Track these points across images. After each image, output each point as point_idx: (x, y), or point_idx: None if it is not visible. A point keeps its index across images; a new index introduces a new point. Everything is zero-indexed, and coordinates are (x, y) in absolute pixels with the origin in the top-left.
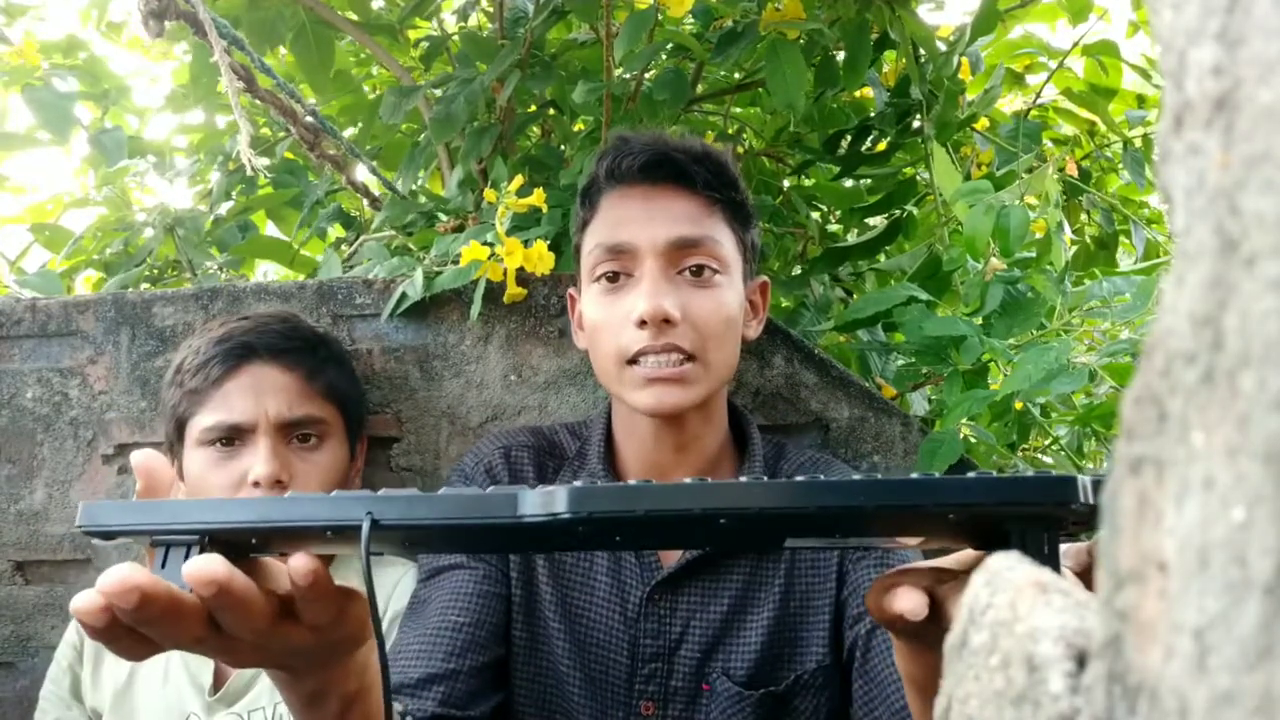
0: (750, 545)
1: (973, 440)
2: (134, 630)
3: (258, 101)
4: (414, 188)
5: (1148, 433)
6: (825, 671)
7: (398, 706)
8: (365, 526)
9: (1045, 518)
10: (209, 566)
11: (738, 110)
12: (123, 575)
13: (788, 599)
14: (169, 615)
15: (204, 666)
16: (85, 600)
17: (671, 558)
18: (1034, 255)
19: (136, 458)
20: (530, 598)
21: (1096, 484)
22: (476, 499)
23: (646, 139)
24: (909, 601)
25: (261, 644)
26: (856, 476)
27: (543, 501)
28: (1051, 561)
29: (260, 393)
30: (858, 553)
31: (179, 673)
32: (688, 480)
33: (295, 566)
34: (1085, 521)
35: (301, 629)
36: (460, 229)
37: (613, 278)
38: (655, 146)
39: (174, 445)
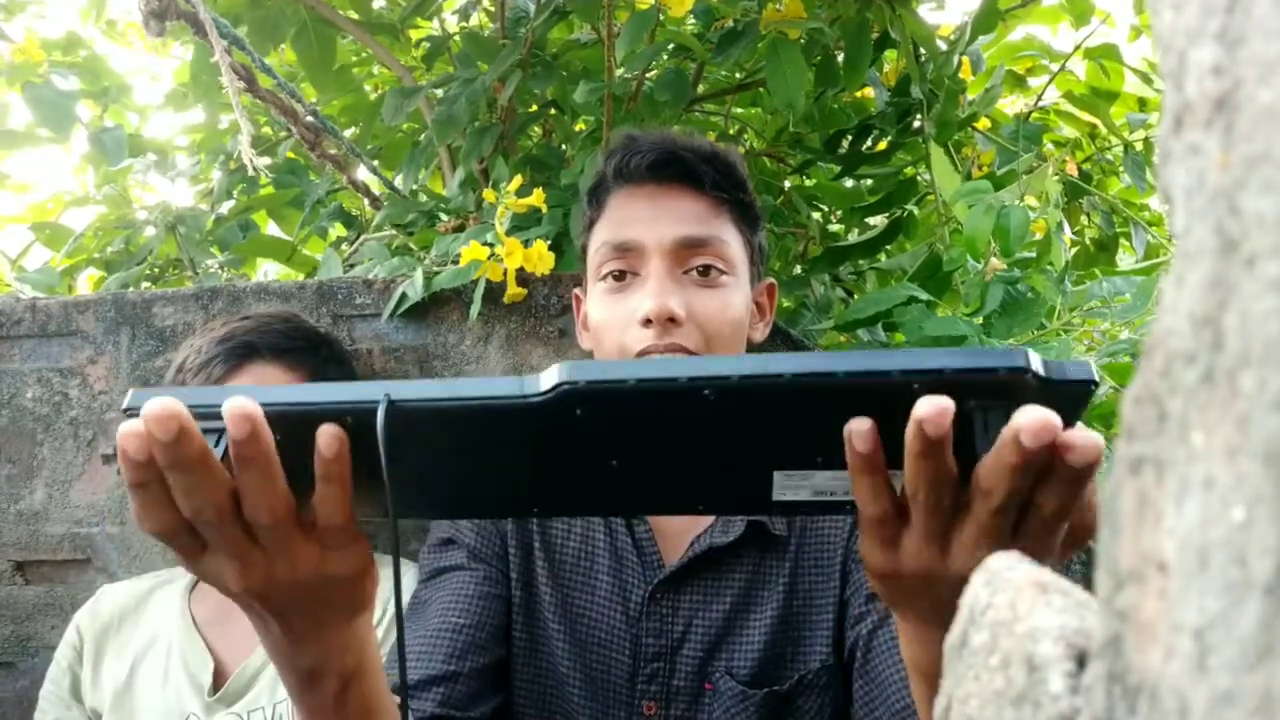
0: (738, 495)
1: None
2: (162, 481)
3: (259, 101)
4: (415, 187)
5: (1148, 433)
6: (829, 671)
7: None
8: (381, 409)
9: (1002, 390)
10: (246, 401)
11: (739, 110)
12: (165, 402)
13: (791, 598)
14: (200, 466)
15: (203, 667)
16: (129, 426)
17: (674, 556)
18: (1034, 255)
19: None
20: (530, 599)
21: (1045, 363)
22: (485, 382)
23: (654, 138)
24: (857, 423)
25: (272, 554)
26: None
27: (541, 379)
28: None
29: None
30: (860, 552)
31: (179, 673)
32: (672, 356)
33: (324, 431)
34: (1039, 400)
35: (311, 546)
36: (461, 229)
37: (618, 276)
38: (663, 145)
39: None
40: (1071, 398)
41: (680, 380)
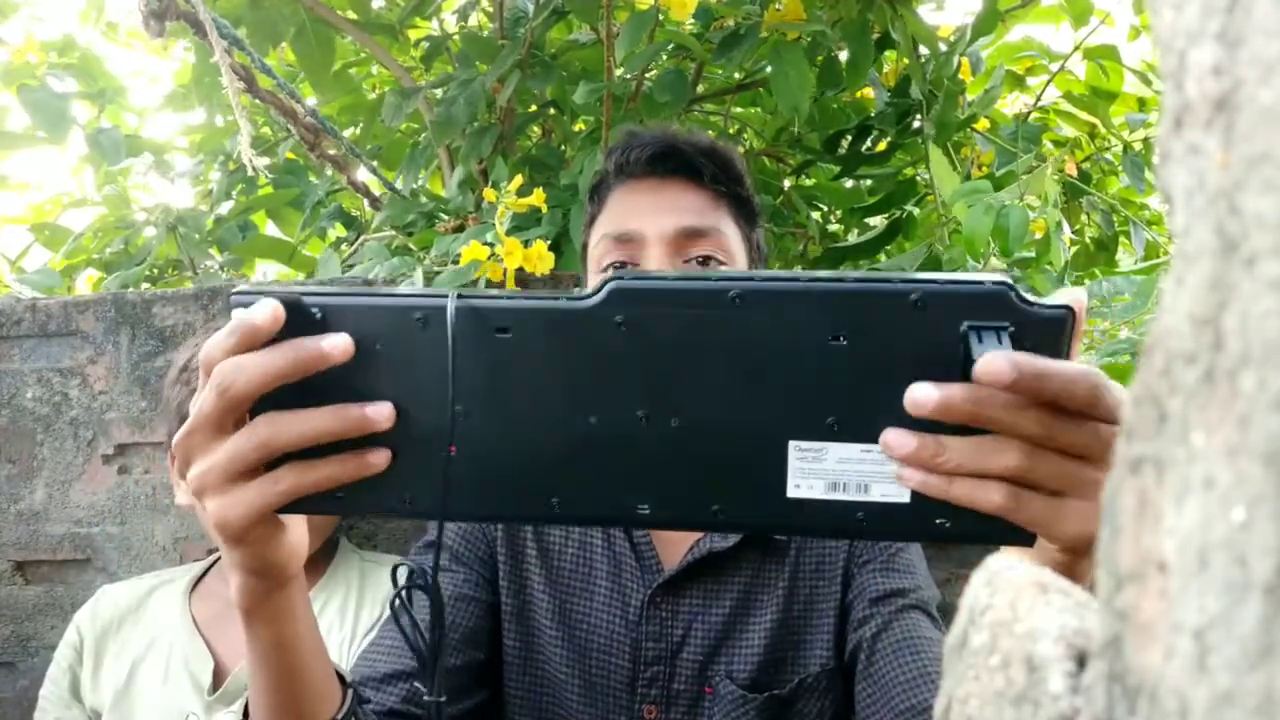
0: (755, 484)
1: None
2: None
3: (258, 101)
4: (414, 188)
5: (1148, 433)
6: (829, 675)
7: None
8: (451, 305)
9: (991, 310)
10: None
11: (738, 110)
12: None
13: (791, 602)
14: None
15: (204, 666)
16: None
17: (672, 561)
18: (1034, 255)
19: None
20: (523, 605)
21: (1025, 294)
22: (548, 295)
23: (655, 132)
24: (919, 389)
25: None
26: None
27: (590, 291)
28: None
29: None
30: (863, 556)
31: (179, 673)
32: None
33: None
34: (1026, 327)
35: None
36: (461, 229)
37: (619, 267)
38: (663, 139)
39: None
40: (1052, 324)
41: (710, 279)
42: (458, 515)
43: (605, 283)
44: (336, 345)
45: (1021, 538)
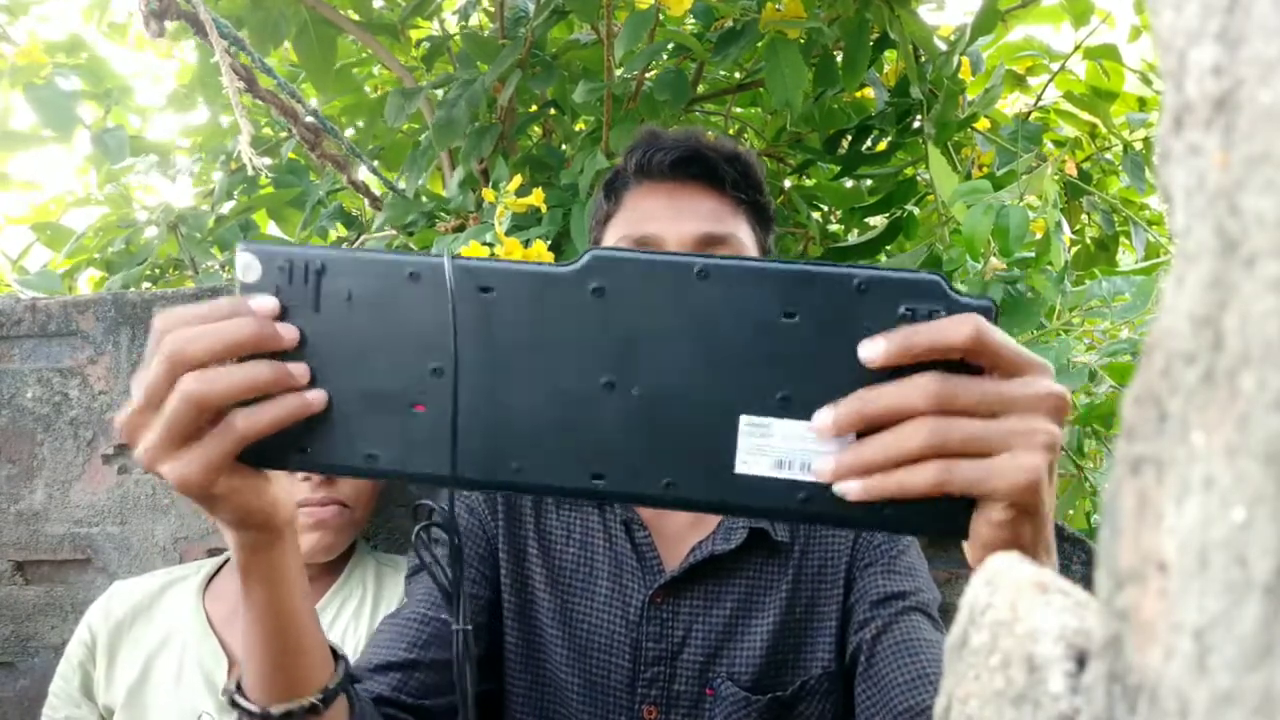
0: (706, 453)
1: None
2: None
3: (260, 101)
4: (415, 187)
5: (1148, 433)
6: (831, 677)
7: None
8: (448, 261)
9: (929, 295)
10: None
11: (738, 110)
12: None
13: (793, 604)
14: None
15: (218, 666)
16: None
17: (673, 562)
18: (1033, 255)
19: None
20: (525, 604)
21: (955, 286)
22: (535, 263)
23: (678, 135)
24: (868, 344)
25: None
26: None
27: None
28: None
29: None
30: (865, 559)
31: (193, 672)
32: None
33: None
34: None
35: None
36: (461, 229)
37: None
38: (687, 144)
39: None
40: (978, 313)
41: (681, 256)
42: (421, 476)
43: (585, 251)
44: (285, 334)
45: (955, 527)
